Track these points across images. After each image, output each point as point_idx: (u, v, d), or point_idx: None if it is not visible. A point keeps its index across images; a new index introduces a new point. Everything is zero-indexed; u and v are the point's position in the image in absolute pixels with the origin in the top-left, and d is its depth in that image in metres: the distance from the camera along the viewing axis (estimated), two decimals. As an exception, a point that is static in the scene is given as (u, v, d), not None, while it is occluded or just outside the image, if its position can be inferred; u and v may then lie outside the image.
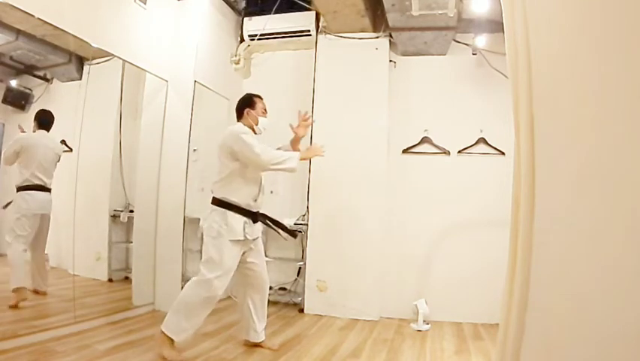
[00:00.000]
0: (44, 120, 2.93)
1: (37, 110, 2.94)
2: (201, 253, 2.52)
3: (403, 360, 2.56)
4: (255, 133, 2.58)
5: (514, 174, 1.27)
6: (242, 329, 2.68)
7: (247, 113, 2.59)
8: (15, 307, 2.67)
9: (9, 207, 2.84)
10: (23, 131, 2.91)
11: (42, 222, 2.90)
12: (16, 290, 2.71)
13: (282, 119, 4.03)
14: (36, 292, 2.89)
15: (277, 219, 3.79)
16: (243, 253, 2.50)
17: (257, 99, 2.65)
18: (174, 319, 2.34)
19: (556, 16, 1.12)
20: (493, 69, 3.53)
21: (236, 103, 2.67)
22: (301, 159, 2.54)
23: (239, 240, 2.40)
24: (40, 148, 2.92)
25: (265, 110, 2.66)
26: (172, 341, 2.33)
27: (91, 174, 3.20)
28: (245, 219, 2.45)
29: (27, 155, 2.87)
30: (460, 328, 3.28)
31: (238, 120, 2.61)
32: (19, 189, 2.84)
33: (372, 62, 3.67)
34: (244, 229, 2.42)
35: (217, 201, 2.45)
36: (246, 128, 2.52)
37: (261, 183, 2.56)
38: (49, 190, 2.91)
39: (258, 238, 2.58)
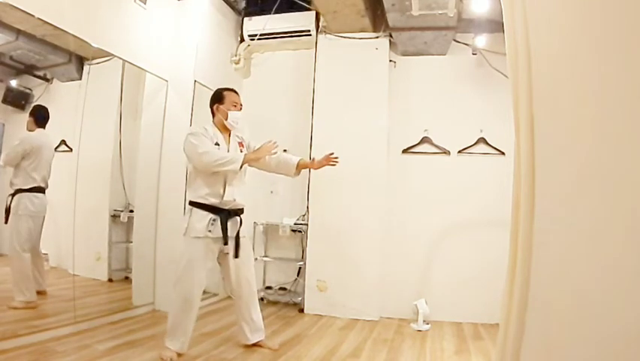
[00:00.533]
0: (41, 117, 2.90)
1: (33, 106, 2.91)
2: None
3: (403, 360, 2.56)
4: (228, 129, 2.53)
5: (514, 174, 1.27)
6: (238, 334, 2.67)
7: (217, 109, 2.55)
8: (15, 308, 2.68)
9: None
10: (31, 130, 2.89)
11: (40, 225, 2.91)
12: (26, 302, 2.73)
13: (282, 118, 4.08)
14: (38, 292, 2.89)
15: (277, 219, 3.86)
16: (224, 254, 2.48)
17: (226, 93, 2.57)
18: (168, 326, 2.39)
19: (556, 16, 1.12)
20: (493, 69, 3.52)
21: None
22: (248, 160, 2.46)
23: (199, 237, 2.38)
24: (45, 149, 2.91)
25: (236, 103, 2.56)
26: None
27: (91, 174, 3.20)
28: (212, 216, 2.41)
29: (35, 156, 2.85)
30: (460, 328, 3.28)
31: (213, 118, 2.59)
32: (24, 190, 2.81)
33: (372, 62, 3.67)
34: (207, 226, 2.39)
35: (189, 201, 2.48)
36: (197, 128, 2.47)
37: (225, 180, 2.44)
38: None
39: (232, 238, 2.47)
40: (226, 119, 2.52)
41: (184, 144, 2.44)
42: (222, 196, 2.43)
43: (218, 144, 2.47)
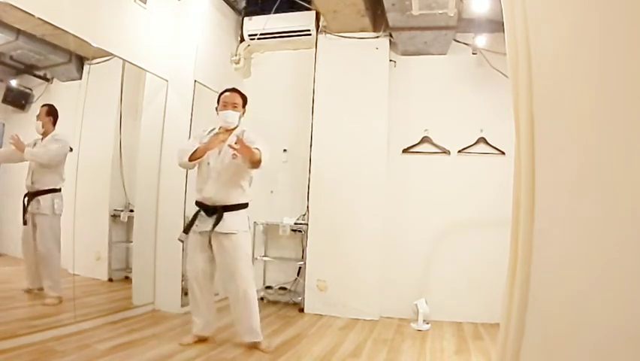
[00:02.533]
0: (57, 116, 2.93)
1: (47, 107, 2.91)
2: None
3: (403, 360, 2.56)
4: (224, 127, 2.66)
5: (514, 174, 1.27)
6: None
7: (217, 112, 2.72)
8: (48, 305, 2.80)
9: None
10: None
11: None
12: (58, 298, 2.83)
13: (282, 118, 4.08)
14: (41, 289, 2.90)
15: (277, 218, 3.86)
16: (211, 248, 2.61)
17: (222, 95, 2.71)
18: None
19: (556, 16, 1.12)
20: (493, 69, 3.52)
21: None
22: (199, 152, 2.54)
23: (194, 231, 2.60)
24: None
25: (226, 102, 2.64)
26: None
27: (91, 174, 3.20)
28: (201, 212, 2.60)
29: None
30: (460, 327, 3.28)
31: None
32: (59, 190, 2.89)
33: (372, 61, 3.67)
34: (195, 220, 2.60)
35: None
36: (197, 132, 2.71)
37: (207, 177, 2.58)
38: None
39: (218, 233, 2.53)
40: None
41: None
42: (202, 192, 2.60)
43: None
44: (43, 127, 2.86)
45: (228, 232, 2.54)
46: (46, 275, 2.85)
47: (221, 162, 2.57)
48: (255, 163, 2.47)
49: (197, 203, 2.64)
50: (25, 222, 2.80)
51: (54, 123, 2.90)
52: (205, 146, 2.56)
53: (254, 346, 2.58)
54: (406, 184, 3.67)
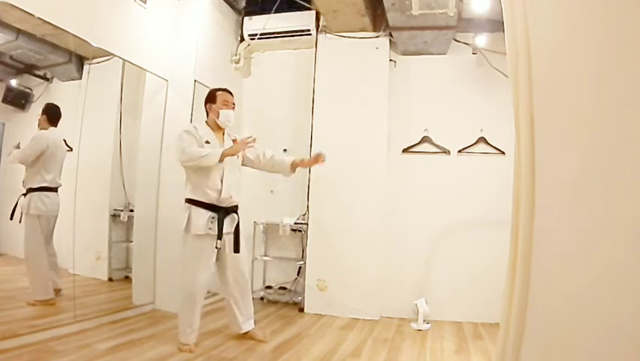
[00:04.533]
0: (54, 115, 2.90)
1: (46, 104, 2.90)
2: None
3: (403, 360, 2.56)
4: (221, 127, 2.63)
5: (514, 174, 1.27)
6: (230, 324, 2.77)
7: (209, 109, 2.66)
8: (33, 305, 2.73)
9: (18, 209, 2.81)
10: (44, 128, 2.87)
11: (53, 224, 2.92)
12: (43, 300, 2.76)
13: (282, 118, 4.08)
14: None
15: (277, 218, 3.86)
16: (219, 250, 2.57)
17: (219, 93, 2.67)
18: (180, 325, 2.53)
19: (556, 16, 1.12)
20: (493, 68, 3.52)
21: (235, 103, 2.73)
22: (227, 154, 2.48)
23: (200, 234, 2.47)
24: (59, 148, 2.92)
25: (227, 101, 2.64)
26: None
27: (91, 174, 3.20)
28: (211, 214, 2.50)
29: (52, 155, 2.86)
30: (461, 327, 3.28)
31: (207, 118, 2.69)
32: (35, 190, 2.81)
33: (372, 61, 3.67)
34: (207, 224, 2.48)
35: (186, 200, 2.57)
36: (187, 127, 2.57)
37: (223, 178, 2.54)
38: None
39: (229, 233, 2.58)
40: (218, 118, 2.61)
41: (175, 144, 2.55)
42: (220, 193, 2.52)
43: (209, 142, 2.55)
44: (38, 125, 2.87)
45: (242, 231, 2.66)
46: (30, 277, 2.79)
47: (231, 163, 2.61)
48: None
49: (206, 204, 2.51)
50: (11, 218, 2.80)
51: (49, 121, 2.88)
52: (234, 148, 2.54)
53: (250, 337, 2.70)
54: (406, 184, 3.67)
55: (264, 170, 2.84)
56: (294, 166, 2.75)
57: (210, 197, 2.51)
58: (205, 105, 2.68)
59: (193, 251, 2.51)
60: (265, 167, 2.80)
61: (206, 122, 2.66)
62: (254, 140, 2.58)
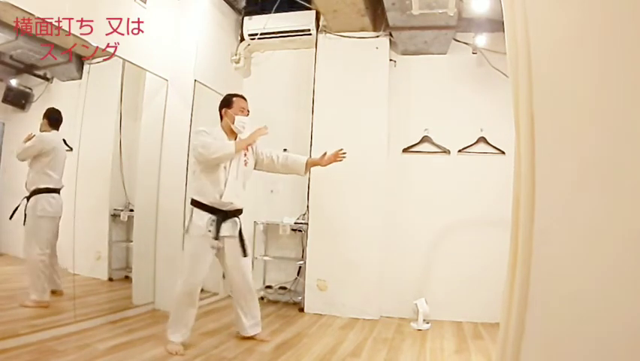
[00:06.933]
0: (54, 119, 2.91)
1: (47, 108, 2.91)
2: None
3: (403, 359, 2.56)
4: (235, 133, 2.62)
5: (514, 174, 1.27)
6: (235, 324, 2.79)
7: (224, 113, 2.66)
8: (27, 306, 2.70)
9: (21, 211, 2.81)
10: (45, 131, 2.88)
11: (57, 225, 2.92)
12: (38, 301, 2.74)
13: (282, 117, 4.07)
14: (53, 292, 2.89)
15: (277, 218, 3.86)
16: (218, 251, 2.57)
17: (235, 98, 2.68)
18: (170, 321, 2.50)
19: (556, 16, 1.12)
20: (493, 68, 3.52)
21: None
22: (242, 144, 2.55)
23: (202, 235, 2.49)
24: (60, 150, 2.93)
25: (244, 108, 2.66)
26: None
27: (91, 174, 3.20)
28: (211, 216, 2.51)
29: (52, 156, 2.87)
30: (460, 327, 3.28)
31: (221, 122, 2.69)
32: (42, 191, 2.82)
33: (372, 61, 3.67)
34: (207, 226, 2.49)
35: (191, 201, 2.60)
36: (203, 128, 2.58)
37: (226, 181, 2.53)
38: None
39: (230, 237, 2.58)
40: (233, 123, 2.61)
41: (192, 142, 2.56)
42: (221, 197, 2.53)
43: None
44: (40, 128, 2.88)
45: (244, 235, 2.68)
46: (29, 277, 2.80)
47: (238, 166, 2.60)
48: None
49: (207, 206, 2.52)
50: (10, 218, 2.81)
51: (50, 125, 2.90)
52: (249, 139, 2.58)
53: (252, 336, 2.71)
54: (406, 184, 3.67)
55: (278, 172, 2.88)
56: (309, 165, 2.79)
57: (212, 199, 2.52)
58: (220, 110, 2.68)
59: (192, 251, 2.53)
60: (281, 169, 2.81)
61: (220, 126, 2.67)
62: (266, 127, 2.63)
